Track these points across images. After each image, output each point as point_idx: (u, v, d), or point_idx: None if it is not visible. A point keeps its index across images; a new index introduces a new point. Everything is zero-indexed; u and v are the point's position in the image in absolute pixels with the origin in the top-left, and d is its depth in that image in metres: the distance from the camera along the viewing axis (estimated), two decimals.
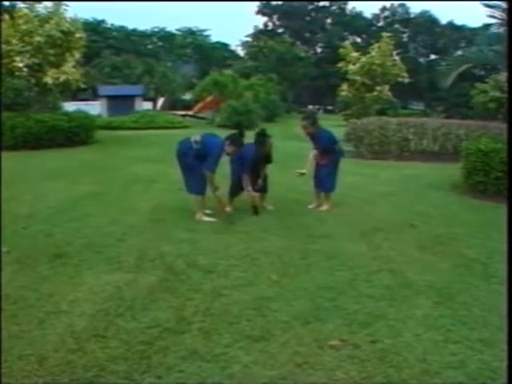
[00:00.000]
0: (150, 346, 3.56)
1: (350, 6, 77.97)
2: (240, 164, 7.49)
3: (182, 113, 36.93)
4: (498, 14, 14.19)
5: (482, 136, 10.68)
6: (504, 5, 13.69)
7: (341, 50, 25.13)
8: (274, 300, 4.38)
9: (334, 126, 21.04)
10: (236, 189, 7.74)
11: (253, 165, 7.50)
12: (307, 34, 76.29)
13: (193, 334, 3.75)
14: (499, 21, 14.93)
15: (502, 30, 15.15)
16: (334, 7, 77.69)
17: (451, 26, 70.64)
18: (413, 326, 3.99)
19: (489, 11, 14.09)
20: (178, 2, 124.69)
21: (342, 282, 4.84)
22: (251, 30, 75.23)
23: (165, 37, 71.57)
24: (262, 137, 7.72)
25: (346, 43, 25.88)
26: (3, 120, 16.20)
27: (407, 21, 73.87)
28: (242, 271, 5.09)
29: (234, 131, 7.45)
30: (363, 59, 23.81)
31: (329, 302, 4.35)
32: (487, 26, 21.77)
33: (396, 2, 74.88)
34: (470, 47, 24.02)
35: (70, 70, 17.93)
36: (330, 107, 59.52)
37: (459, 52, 23.87)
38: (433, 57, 70.69)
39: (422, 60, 69.71)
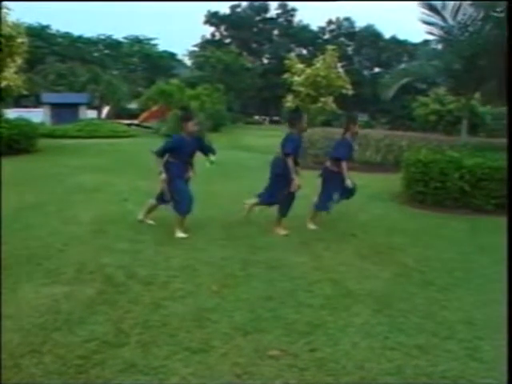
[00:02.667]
0: (87, 360, 3.49)
1: (297, 18, 78.90)
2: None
3: (128, 122, 36.57)
4: (436, 31, 14.75)
5: (422, 147, 10.96)
6: (441, 22, 14.23)
7: (286, 62, 25.49)
8: (214, 311, 4.37)
9: (280, 136, 21.25)
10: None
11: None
12: (254, 45, 76.90)
13: (131, 347, 3.70)
14: (437, 37, 15.51)
15: (439, 46, 15.74)
16: (281, 19, 78.62)
17: (394, 40, 72.51)
18: (351, 334, 4.04)
19: (427, 28, 14.64)
20: (126, 7, 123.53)
21: (283, 292, 4.86)
22: (198, 40, 75.32)
23: (111, 44, 70.67)
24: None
25: (292, 55, 26.31)
26: None
27: (352, 34, 75.43)
28: (183, 282, 5.06)
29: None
30: (308, 71, 24.22)
31: (269, 313, 4.37)
32: (426, 42, 22.48)
33: (342, 16, 76.46)
34: (411, 61, 24.74)
35: (12, 76, 17.52)
36: (276, 118, 60.02)
37: (402, 66, 24.52)
38: (377, 70, 72.37)
39: (366, 73, 71.26)
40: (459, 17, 14.15)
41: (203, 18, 76.20)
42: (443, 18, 14.25)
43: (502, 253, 6.72)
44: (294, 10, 78.21)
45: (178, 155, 6.96)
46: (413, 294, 5.05)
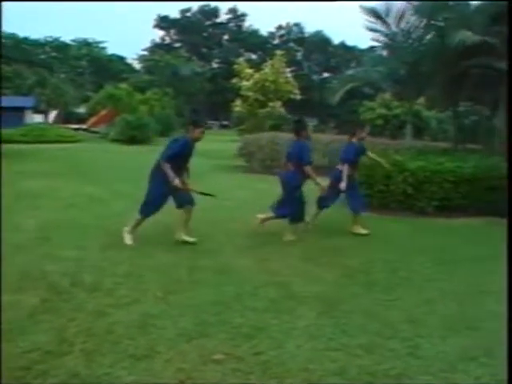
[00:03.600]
0: (29, 371, 3.41)
1: (247, 23, 79.29)
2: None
3: (76, 126, 35.94)
4: (381, 38, 15.11)
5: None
6: (385, 29, 14.57)
7: (235, 66, 25.60)
8: (159, 317, 4.33)
9: (229, 141, 21.33)
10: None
11: None
12: (204, 50, 76.88)
13: (75, 356, 3.63)
14: (382, 44, 15.89)
15: (384, 52, 16.12)
16: (231, 24, 78.92)
17: (343, 46, 73.77)
18: (296, 336, 4.08)
19: (372, 35, 14.98)
20: (74, 8, 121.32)
21: (228, 297, 4.87)
22: (148, 44, 74.73)
23: (59, 47, 69.36)
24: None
25: (241, 60, 26.41)
26: None
27: (302, 40, 76.34)
28: (128, 289, 5.01)
29: None
30: (257, 76, 24.37)
31: (214, 317, 4.37)
32: (373, 48, 22.98)
33: (291, 21, 77.23)
34: (358, 67, 25.18)
35: None
36: (225, 122, 60.06)
37: (350, 71, 24.98)
38: (325, 75, 73.39)
39: (315, 78, 72.11)
40: (402, 24, 14.54)
41: (153, 22, 75.79)
42: (387, 25, 14.60)
43: (441, 253, 6.99)
44: (244, 15, 78.71)
45: (176, 159, 6.63)
46: (357, 295, 5.15)
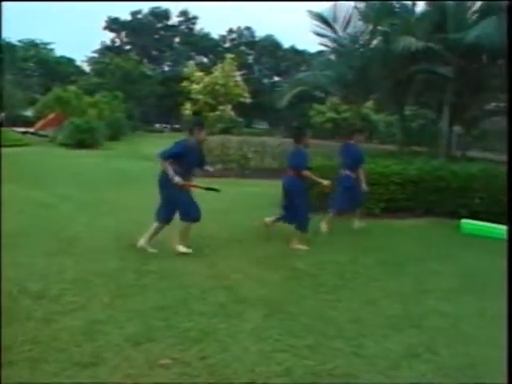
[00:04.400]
0: None
1: (199, 26, 78.99)
2: None
3: (23, 130, 34.94)
4: (329, 42, 15.39)
5: (317, 154, 11.25)
6: (332, 34, 14.85)
7: (185, 70, 25.53)
8: (106, 323, 4.29)
9: None
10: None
11: None
12: (155, 52, 76.09)
13: (19, 365, 3.56)
14: (329, 49, 16.17)
15: (333, 56, 16.40)
16: (182, 27, 78.39)
17: (293, 50, 74.21)
18: (243, 339, 4.11)
19: (321, 40, 15.25)
20: (21, 8, 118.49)
21: (176, 302, 4.86)
22: (98, 46, 73.58)
23: (4, 48, 67.45)
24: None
25: (190, 63, 26.38)
26: None
27: (253, 43, 76.46)
28: (75, 295, 4.93)
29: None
30: (207, 79, 24.36)
31: (161, 322, 4.35)
32: (321, 53, 23.30)
33: (242, 25, 77.41)
34: (308, 71, 25.43)
35: None
36: (177, 126, 59.64)
37: (299, 75, 25.25)
38: (276, 78, 73.72)
39: (266, 81, 72.33)
40: (349, 29, 14.85)
41: (103, 24, 74.68)
42: (334, 30, 14.87)
43: (386, 254, 7.14)
44: (195, 17, 78.27)
45: (183, 163, 6.54)
46: (303, 296, 5.22)
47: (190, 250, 6.60)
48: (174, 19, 77.82)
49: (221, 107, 24.17)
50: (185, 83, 25.18)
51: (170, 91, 61.27)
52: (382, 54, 14.64)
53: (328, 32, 14.91)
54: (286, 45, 75.60)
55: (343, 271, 6.22)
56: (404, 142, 16.79)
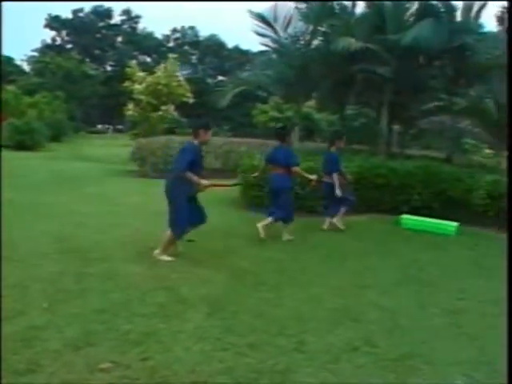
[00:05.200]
0: None
1: (142, 25, 78.18)
2: None
3: None
4: (270, 42, 15.50)
5: (257, 153, 11.33)
6: (273, 34, 14.96)
7: (127, 69, 25.15)
8: (45, 329, 4.18)
9: (123, 145, 20.98)
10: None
11: None
12: (97, 52, 74.87)
13: None
14: (270, 48, 16.29)
15: (274, 56, 16.52)
16: (125, 26, 77.41)
17: (237, 50, 74.48)
18: (184, 339, 4.09)
19: (262, 40, 15.35)
20: None
21: (116, 304, 4.79)
22: (38, 45, 71.74)
23: None
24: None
25: (133, 62, 25.93)
26: None
27: (196, 43, 76.32)
28: (13, 301, 4.76)
29: None
30: (149, 79, 24.08)
31: (101, 325, 4.28)
32: (263, 52, 23.46)
33: (186, 25, 77.05)
34: (251, 71, 25.57)
35: None
36: (120, 126, 58.85)
37: (242, 74, 25.31)
38: (220, 78, 73.69)
39: (210, 81, 72.19)
40: (290, 30, 15.00)
41: (44, 22, 72.89)
42: (275, 31, 14.99)
43: (328, 250, 7.26)
44: (138, 16, 77.54)
45: (194, 167, 6.34)
46: (245, 295, 5.23)
47: (171, 258, 6.46)
48: (117, 18, 76.81)
49: (163, 107, 23.91)
50: (127, 83, 24.78)
51: (113, 91, 60.35)
52: (322, 54, 14.86)
53: (269, 32, 15.02)
54: (230, 44, 75.90)
55: (285, 268, 6.29)
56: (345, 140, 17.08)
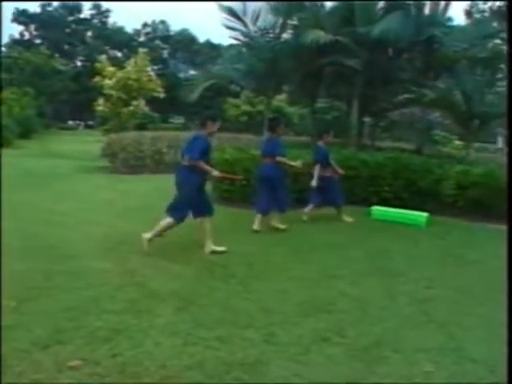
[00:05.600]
0: None
1: (112, 20, 77.25)
2: None
3: None
4: (240, 36, 15.48)
5: (228, 147, 11.29)
6: (242, 28, 14.93)
7: (97, 65, 24.85)
8: (12, 328, 4.11)
9: (94, 141, 20.78)
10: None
11: None
12: (66, 47, 73.64)
13: None
14: (240, 42, 16.26)
15: (244, 50, 16.50)
16: (95, 20, 76.34)
17: (209, 44, 74.11)
18: (154, 334, 4.08)
19: (231, 33, 15.31)
20: None
21: (86, 301, 4.74)
22: (6, 40, 70.40)
23: None
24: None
25: (102, 57, 25.60)
26: None
27: (168, 38, 75.72)
28: None
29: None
30: (119, 74, 23.84)
31: (70, 323, 4.24)
32: (232, 46, 23.42)
33: (157, 19, 76.41)
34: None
35: None
36: (91, 122, 58.16)
37: (212, 68, 25.18)
38: (192, 72, 73.26)
39: (181, 75, 71.72)
40: (259, 23, 14.98)
41: (11, 16, 71.53)
42: (244, 24, 14.96)
43: (297, 242, 7.29)
44: (108, 11, 76.53)
45: (204, 157, 6.44)
46: (215, 288, 5.24)
47: (223, 248, 6.67)
48: (86, 12, 75.68)
49: (134, 102, 23.69)
50: (97, 78, 24.48)
51: (83, 87, 59.48)
52: (292, 48, 14.88)
53: (238, 25, 14.99)
54: (202, 39, 75.53)
55: (254, 261, 6.29)
56: (315, 133, 17.16)
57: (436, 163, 10.70)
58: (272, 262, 6.33)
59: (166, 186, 12.35)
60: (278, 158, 7.97)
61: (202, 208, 6.62)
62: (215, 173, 6.54)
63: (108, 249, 6.65)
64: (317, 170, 8.83)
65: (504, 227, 8.23)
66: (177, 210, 6.51)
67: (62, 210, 9.20)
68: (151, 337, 4.04)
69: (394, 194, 10.24)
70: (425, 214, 9.23)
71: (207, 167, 6.43)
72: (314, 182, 8.76)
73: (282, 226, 8.25)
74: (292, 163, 8.19)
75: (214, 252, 6.57)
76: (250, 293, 5.15)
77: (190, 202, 6.50)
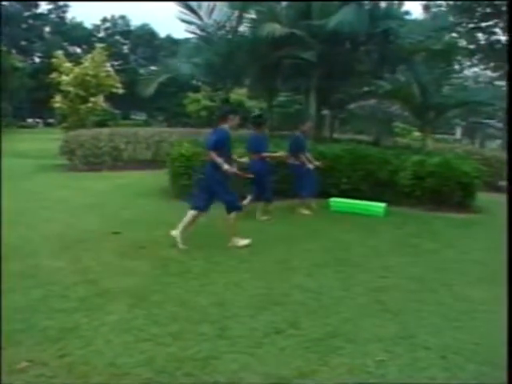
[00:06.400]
0: None
1: (70, 15, 75.88)
2: None
3: None
4: (197, 30, 15.38)
5: (185, 142, 11.18)
6: (198, 21, 14.83)
7: (54, 60, 24.34)
8: None
9: (53, 139, 20.37)
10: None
11: None
12: (24, 43, 72.10)
13: None
14: (196, 35, 16.16)
15: (201, 43, 16.40)
16: (52, 15, 74.86)
17: (169, 39, 73.44)
18: (105, 332, 4.03)
19: (187, 27, 15.19)
20: None
21: (36, 301, 4.64)
22: None
23: None
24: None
25: (59, 53, 25.06)
26: None
27: (128, 33, 74.81)
28: None
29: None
30: (77, 70, 23.44)
31: (20, 324, 4.14)
32: (188, 39, 23.24)
33: (117, 14, 75.44)
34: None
35: None
36: (51, 120, 57.13)
37: (168, 62, 24.89)
38: (153, 68, 72.52)
39: (142, 71, 70.98)
40: (215, 16, 14.90)
41: None
42: (199, 17, 14.87)
43: (255, 235, 7.21)
44: (66, 6, 75.03)
45: (223, 151, 6.52)
46: (169, 284, 5.19)
47: (248, 241, 6.81)
48: (44, 7, 74.13)
49: (92, 99, 23.31)
50: (54, 75, 24.00)
51: (42, 84, 57.94)
52: (248, 41, 14.84)
53: (194, 19, 14.88)
54: (163, 34, 74.83)
55: (210, 255, 6.26)
56: (276, 126, 17.19)
57: (393, 154, 10.82)
58: (228, 256, 6.30)
59: (123, 183, 12.24)
60: (264, 154, 8.43)
61: (229, 202, 6.73)
62: (226, 167, 6.46)
63: (64, 247, 6.55)
64: (291, 160, 9.21)
65: (460, 216, 8.38)
66: (198, 201, 6.74)
67: (19, 208, 8.99)
68: (102, 335, 4.00)
69: (353, 186, 10.34)
70: (382, 205, 9.33)
71: (218, 159, 6.42)
72: (310, 166, 9.19)
73: (265, 217, 8.62)
74: (276, 155, 8.79)
75: (239, 247, 6.69)
76: (205, 287, 5.13)
77: (211, 194, 6.69)
